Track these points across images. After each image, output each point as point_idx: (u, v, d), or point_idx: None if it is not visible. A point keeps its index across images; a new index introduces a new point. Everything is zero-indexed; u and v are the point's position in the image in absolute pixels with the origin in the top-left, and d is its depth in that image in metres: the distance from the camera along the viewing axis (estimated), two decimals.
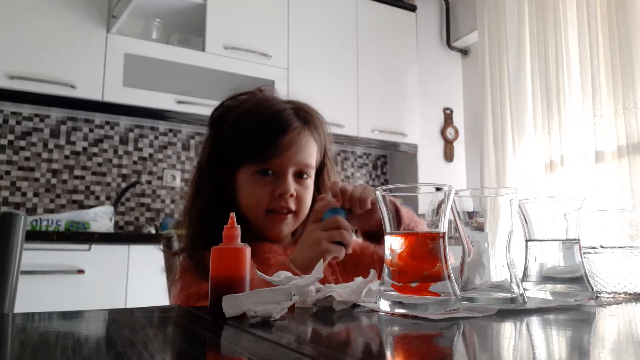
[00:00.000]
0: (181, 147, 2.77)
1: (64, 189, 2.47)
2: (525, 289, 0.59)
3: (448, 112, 3.27)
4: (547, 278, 0.62)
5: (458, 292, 0.51)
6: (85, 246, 1.96)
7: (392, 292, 0.51)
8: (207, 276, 0.56)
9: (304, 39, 2.76)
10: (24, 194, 2.39)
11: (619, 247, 0.69)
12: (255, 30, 2.63)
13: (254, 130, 0.92)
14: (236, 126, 0.93)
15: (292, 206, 0.92)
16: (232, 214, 0.56)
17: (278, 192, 0.91)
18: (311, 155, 0.95)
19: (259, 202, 0.91)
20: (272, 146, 0.91)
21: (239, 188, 0.94)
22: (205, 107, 2.43)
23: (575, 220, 0.64)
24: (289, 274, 0.58)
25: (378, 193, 0.54)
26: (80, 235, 1.98)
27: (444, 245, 0.52)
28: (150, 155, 2.69)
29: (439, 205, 0.52)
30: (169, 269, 1.05)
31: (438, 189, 0.52)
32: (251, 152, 0.92)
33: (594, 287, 0.63)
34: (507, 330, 0.45)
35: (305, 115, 0.95)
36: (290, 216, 0.93)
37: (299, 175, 0.94)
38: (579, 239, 0.63)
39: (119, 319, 0.52)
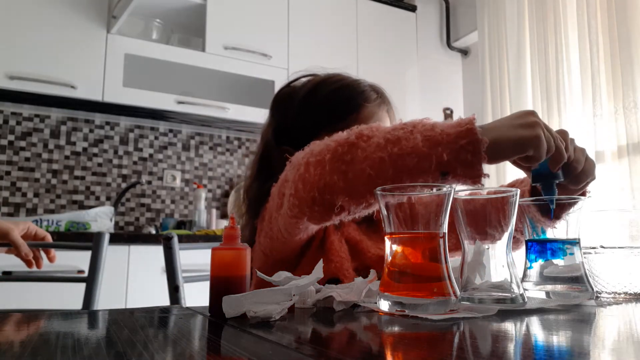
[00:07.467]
0: (181, 147, 2.77)
1: (64, 190, 2.47)
2: (525, 289, 0.59)
3: (448, 112, 3.26)
4: (547, 278, 0.62)
5: (458, 292, 0.51)
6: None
7: (392, 293, 0.51)
8: None
9: (304, 39, 2.76)
10: (24, 195, 2.39)
11: (619, 247, 0.69)
12: (255, 30, 2.63)
13: (333, 96, 0.89)
14: (310, 98, 0.91)
15: None
16: (232, 214, 0.56)
17: None
18: None
19: None
20: (354, 112, 0.88)
21: None
22: (205, 107, 2.43)
23: (575, 220, 0.64)
24: (288, 274, 0.58)
25: (378, 193, 0.54)
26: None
27: (444, 245, 0.52)
28: (151, 155, 2.69)
29: (439, 206, 0.52)
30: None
31: (438, 189, 0.52)
32: (332, 119, 0.87)
33: (594, 287, 0.63)
34: (507, 330, 0.45)
35: (381, 92, 0.94)
36: None
37: None
38: (579, 239, 0.63)
39: (119, 319, 0.52)
